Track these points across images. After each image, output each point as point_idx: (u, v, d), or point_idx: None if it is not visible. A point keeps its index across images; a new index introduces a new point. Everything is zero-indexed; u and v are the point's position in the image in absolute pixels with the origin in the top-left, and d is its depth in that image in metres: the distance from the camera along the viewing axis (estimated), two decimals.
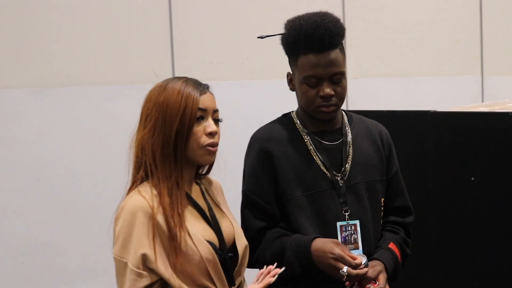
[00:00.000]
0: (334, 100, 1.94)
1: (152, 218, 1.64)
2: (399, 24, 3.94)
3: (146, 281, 1.63)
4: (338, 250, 1.85)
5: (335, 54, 1.94)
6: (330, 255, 1.85)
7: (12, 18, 3.01)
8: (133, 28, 3.21)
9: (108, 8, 3.17)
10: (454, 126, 2.67)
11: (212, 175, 1.94)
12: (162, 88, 1.74)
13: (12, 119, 3.01)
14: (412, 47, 3.98)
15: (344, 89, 1.97)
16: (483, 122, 2.56)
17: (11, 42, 3.01)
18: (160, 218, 1.65)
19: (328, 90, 1.92)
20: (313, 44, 1.91)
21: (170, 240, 1.64)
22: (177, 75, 3.26)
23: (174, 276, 1.65)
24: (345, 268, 1.83)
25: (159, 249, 1.64)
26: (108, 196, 3.12)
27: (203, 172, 1.88)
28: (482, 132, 2.54)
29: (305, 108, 2.00)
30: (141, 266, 1.62)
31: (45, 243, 3.05)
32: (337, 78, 1.94)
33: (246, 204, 2.02)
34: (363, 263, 1.86)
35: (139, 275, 1.62)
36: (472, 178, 2.56)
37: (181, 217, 1.67)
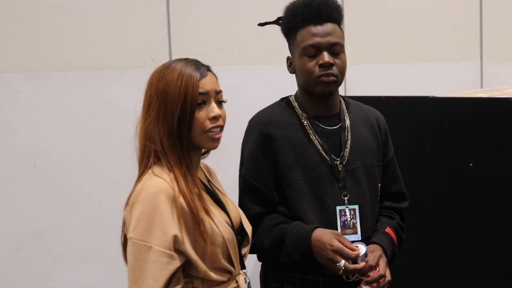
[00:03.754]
0: (334, 70, 1.94)
1: (175, 200, 1.60)
2: (398, 10, 3.91)
3: (177, 263, 1.60)
4: (337, 243, 1.85)
5: (333, 26, 1.96)
6: (329, 247, 1.85)
7: (8, 2, 2.97)
8: (130, 12, 3.18)
9: None
10: (453, 112, 2.66)
11: (210, 161, 1.92)
12: (162, 73, 1.70)
13: (8, 104, 2.98)
14: (411, 33, 3.95)
15: (344, 63, 1.97)
16: (482, 108, 2.55)
17: (7, 26, 2.98)
18: (183, 202, 1.62)
19: (327, 59, 1.92)
20: (311, 15, 1.94)
21: (196, 224, 1.61)
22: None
23: (200, 261, 1.63)
24: (342, 262, 1.83)
25: (184, 233, 1.60)
26: (104, 181, 3.12)
27: (202, 153, 1.85)
28: (481, 118, 2.54)
29: (305, 82, 1.98)
30: (172, 248, 1.58)
31: (41, 229, 3.04)
32: (336, 49, 1.95)
33: (244, 189, 2.02)
34: (362, 253, 1.85)
35: (171, 257, 1.58)
36: (471, 164, 2.55)
37: (202, 200, 1.65)
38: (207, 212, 1.65)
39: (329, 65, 1.92)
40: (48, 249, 3.06)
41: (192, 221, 1.61)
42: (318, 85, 1.95)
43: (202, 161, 1.87)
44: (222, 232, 1.67)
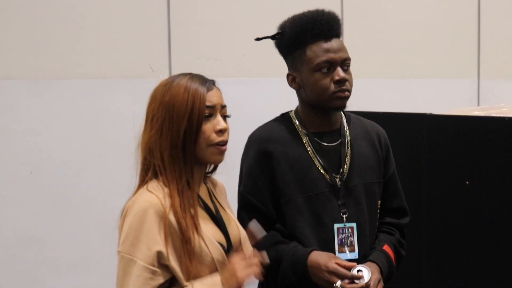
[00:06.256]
0: (347, 85, 1.94)
1: (164, 217, 1.59)
2: (397, 26, 3.93)
3: (161, 279, 1.59)
4: (332, 264, 1.85)
5: (340, 41, 1.98)
6: (324, 268, 1.85)
7: (10, 9, 2.99)
8: (131, 22, 3.20)
9: (106, 2, 3.15)
10: (450, 130, 2.67)
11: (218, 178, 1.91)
12: (167, 86, 1.68)
13: (7, 110, 2.99)
14: (409, 49, 3.98)
15: (352, 77, 1.98)
16: (479, 126, 2.56)
17: (8, 33, 2.99)
18: (172, 219, 1.61)
19: (343, 75, 1.93)
20: (322, 30, 1.94)
21: (183, 243, 1.60)
22: (173, 70, 3.26)
23: (183, 280, 1.61)
24: (338, 283, 1.83)
25: (170, 249, 1.60)
26: (100, 190, 3.12)
27: (209, 171, 1.84)
28: (477, 136, 2.54)
29: (317, 98, 1.96)
30: (156, 264, 1.58)
31: (36, 236, 3.04)
32: (347, 65, 1.96)
33: (242, 205, 2.01)
34: (366, 280, 1.85)
35: (154, 273, 1.58)
36: (467, 182, 2.55)
37: (194, 219, 1.64)
38: (198, 231, 1.64)
39: (344, 81, 1.93)
40: (42, 256, 3.05)
41: (180, 239, 1.61)
42: (334, 100, 1.94)
43: (213, 177, 1.87)
44: (212, 252, 1.65)
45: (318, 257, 1.88)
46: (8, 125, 2.99)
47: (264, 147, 1.98)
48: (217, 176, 1.91)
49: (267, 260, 1.71)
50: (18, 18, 3.00)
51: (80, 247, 3.11)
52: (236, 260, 1.67)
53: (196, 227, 1.64)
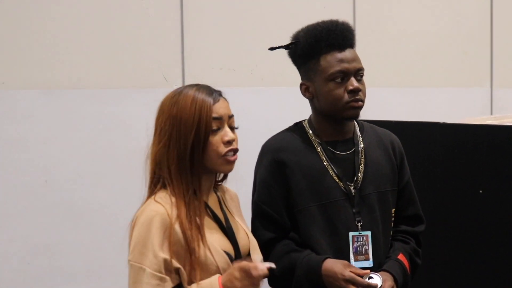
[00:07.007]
0: (360, 95, 1.95)
1: (169, 226, 1.62)
2: (409, 35, 3.94)
3: (169, 285, 1.61)
4: (348, 273, 1.85)
5: (354, 52, 1.99)
6: (341, 277, 1.85)
7: (23, 20, 3.02)
8: (144, 32, 3.22)
9: (120, 12, 3.18)
10: (463, 138, 2.66)
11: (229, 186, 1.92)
12: (174, 99, 1.70)
13: (21, 120, 3.01)
14: (421, 58, 3.98)
15: (365, 87, 1.99)
16: (493, 135, 2.56)
17: (22, 43, 3.02)
18: (178, 229, 1.63)
19: (356, 84, 1.94)
20: (337, 40, 1.95)
21: (188, 254, 1.63)
22: (187, 80, 3.28)
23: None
24: None
25: (175, 258, 1.62)
26: (114, 199, 3.14)
27: (219, 179, 1.86)
28: (491, 145, 2.54)
29: (331, 107, 1.97)
30: (163, 270, 1.61)
31: (51, 244, 3.06)
32: (360, 75, 1.97)
33: (256, 214, 2.02)
34: (378, 286, 1.86)
35: (161, 279, 1.60)
36: (481, 191, 2.55)
37: (200, 229, 1.66)
38: (203, 241, 1.65)
39: (358, 91, 1.94)
40: (57, 264, 3.07)
41: (184, 250, 1.63)
42: (348, 110, 1.95)
43: (225, 185, 1.88)
44: (217, 261, 1.67)
45: (333, 265, 1.88)
46: (23, 134, 3.01)
47: (278, 157, 1.99)
48: (229, 184, 1.92)
49: (273, 266, 1.68)
50: (33, 28, 3.03)
51: (94, 255, 3.12)
52: (239, 273, 1.63)
53: (202, 237, 1.65)
